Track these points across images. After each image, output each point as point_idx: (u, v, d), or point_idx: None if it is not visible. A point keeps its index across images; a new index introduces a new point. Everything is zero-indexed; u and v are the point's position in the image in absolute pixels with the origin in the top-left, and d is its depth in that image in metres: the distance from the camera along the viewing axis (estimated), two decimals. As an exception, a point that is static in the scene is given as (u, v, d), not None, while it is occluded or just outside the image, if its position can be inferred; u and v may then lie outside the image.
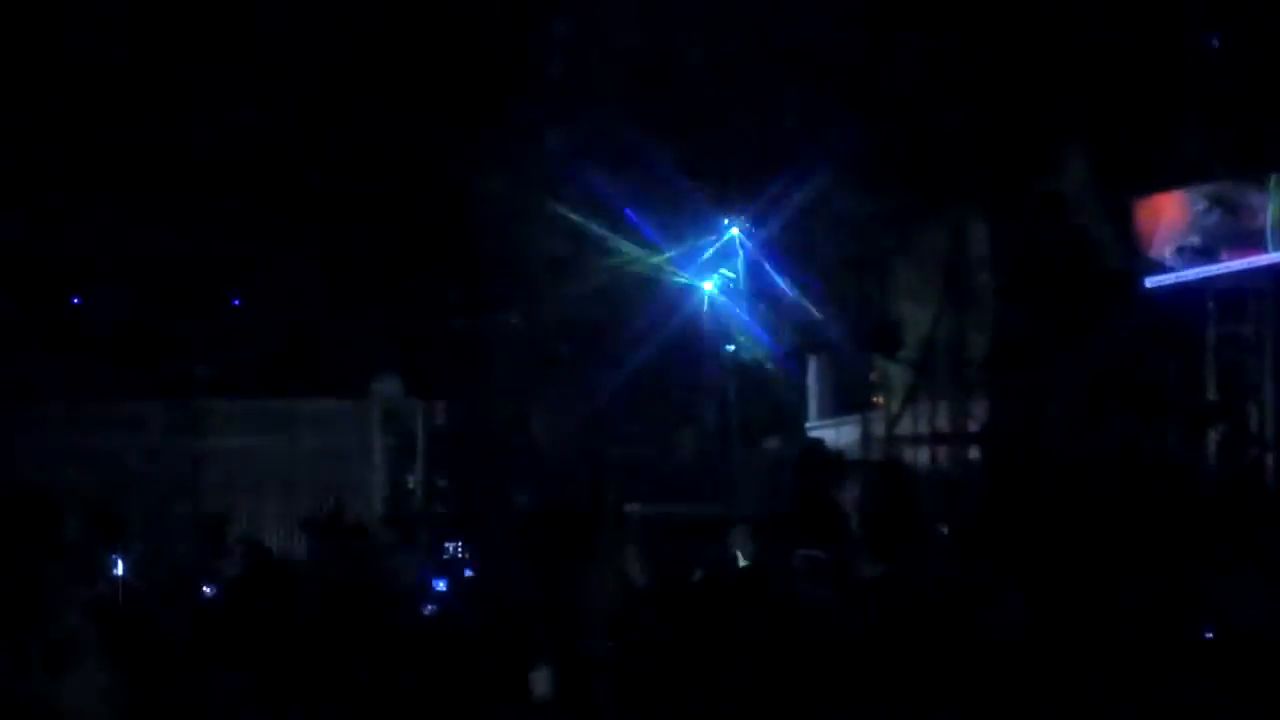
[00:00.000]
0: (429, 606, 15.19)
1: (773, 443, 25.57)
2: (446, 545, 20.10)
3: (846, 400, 26.20)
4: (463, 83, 23.18)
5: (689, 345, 25.18)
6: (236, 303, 24.86)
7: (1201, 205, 22.04)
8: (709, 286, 25.50)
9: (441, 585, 15.46)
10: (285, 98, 22.87)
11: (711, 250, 25.22)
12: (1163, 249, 22.32)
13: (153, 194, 23.22)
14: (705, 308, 25.40)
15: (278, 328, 24.14)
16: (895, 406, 25.06)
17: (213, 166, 23.29)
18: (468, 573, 18.82)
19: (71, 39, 22.23)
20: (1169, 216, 22.24)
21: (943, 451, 24.32)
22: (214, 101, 22.64)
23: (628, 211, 24.05)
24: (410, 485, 24.08)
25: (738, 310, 25.58)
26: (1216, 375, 22.37)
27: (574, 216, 23.94)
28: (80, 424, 23.55)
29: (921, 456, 24.17)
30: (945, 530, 22.89)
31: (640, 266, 24.56)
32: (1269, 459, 22.02)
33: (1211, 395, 22.44)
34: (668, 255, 24.83)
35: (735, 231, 25.30)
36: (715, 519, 21.20)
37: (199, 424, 23.68)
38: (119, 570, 17.78)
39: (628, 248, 24.33)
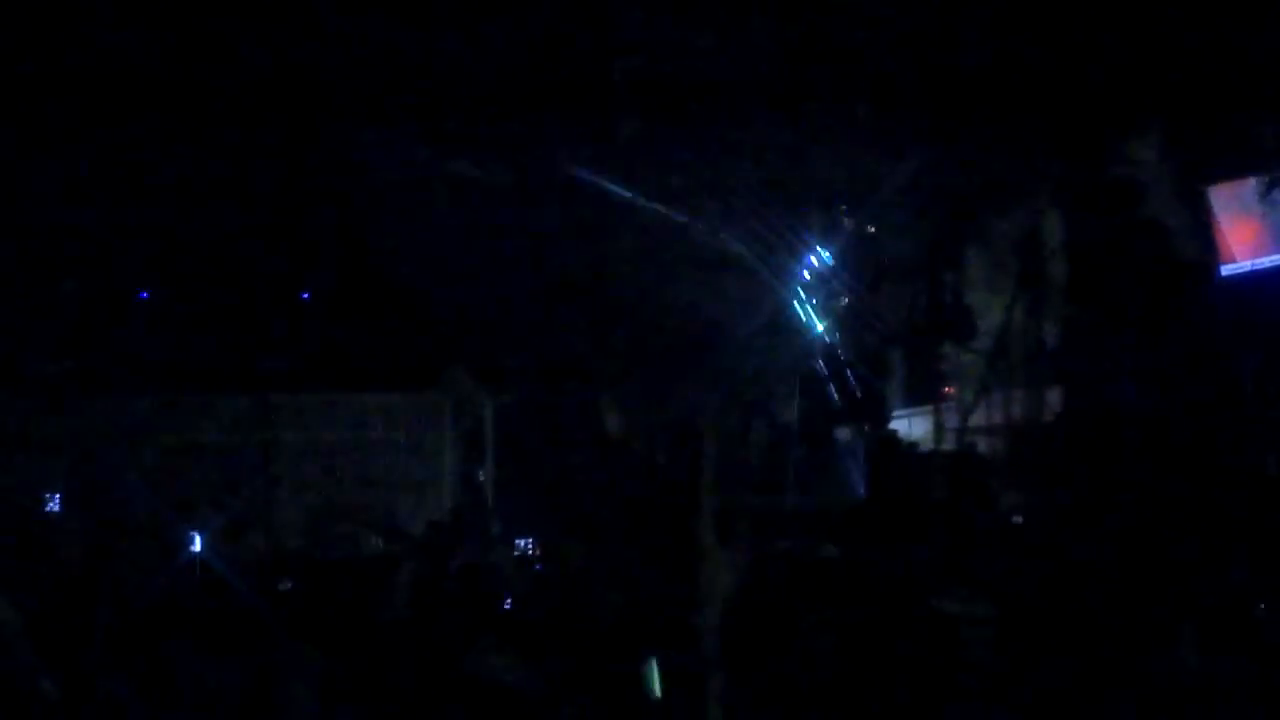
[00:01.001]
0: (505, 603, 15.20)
1: (847, 434, 25.43)
2: (518, 541, 20.10)
3: (919, 391, 26.02)
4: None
5: (766, 337, 25.10)
6: (305, 296, 24.90)
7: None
8: (787, 278, 25.42)
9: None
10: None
11: (789, 244, 25.15)
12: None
13: (223, 189, 23.32)
14: (783, 300, 25.31)
15: (348, 321, 24.17)
16: (969, 397, 24.88)
17: (285, 162, 23.38)
18: (538, 568, 18.82)
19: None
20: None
21: (1017, 442, 24.10)
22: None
23: (708, 203, 24.04)
24: (480, 479, 24.10)
25: (815, 302, 25.48)
26: (1299, 365, 22.17)
27: (652, 205, 23.96)
28: (155, 417, 23.70)
29: (996, 447, 23.96)
30: (1019, 520, 22.97)
31: (719, 258, 24.51)
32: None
33: (1291, 389, 22.24)
34: (745, 246, 24.77)
35: (814, 224, 25.23)
36: (795, 512, 21.24)
37: (270, 417, 23.78)
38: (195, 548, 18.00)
39: (706, 239, 24.30)
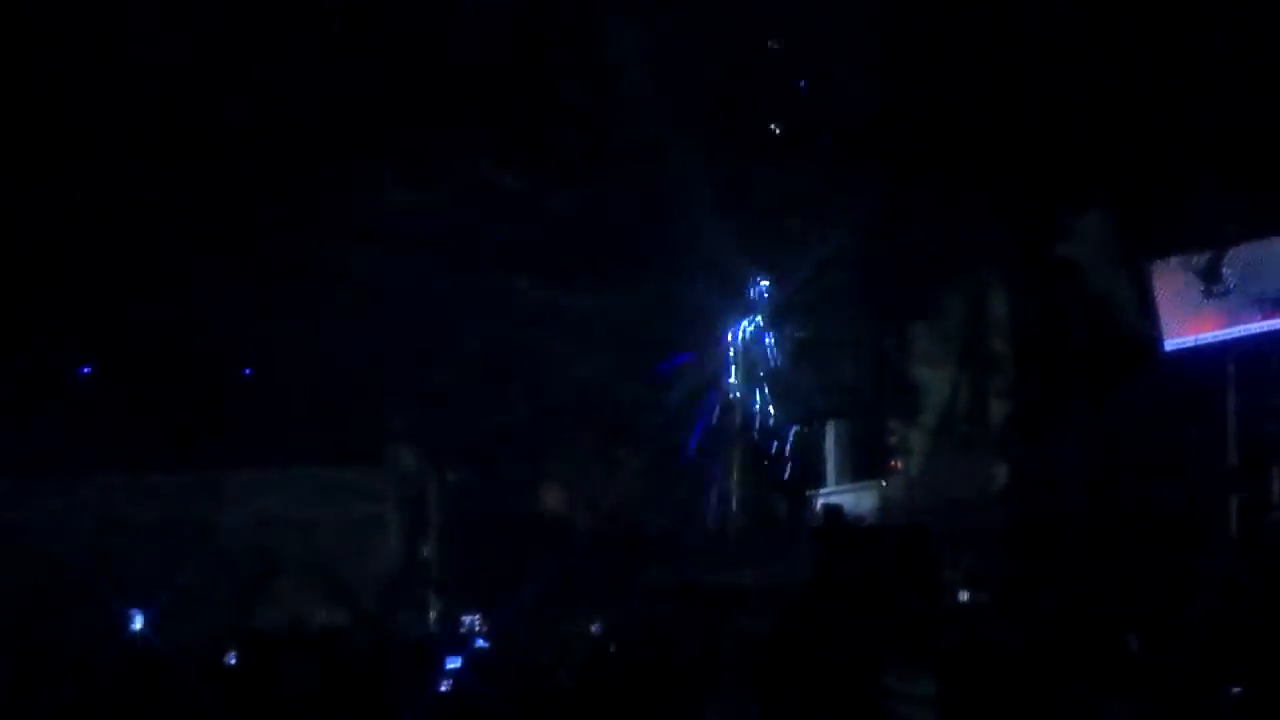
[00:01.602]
0: (444, 684, 15.02)
1: (790, 508, 25.39)
2: (462, 618, 19.98)
3: (865, 465, 26.01)
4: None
5: (710, 412, 25.08)
6: (248, 372, 24.77)
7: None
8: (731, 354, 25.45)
9: (455, 662, 15.27)
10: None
11: (732, 318, 25.18)
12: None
13: (169, 266, 23.26)
14: (728, 378, 25.32)
15: (293, 397, 24.04)
16: (914, 471, 24.89)
17: (230, 237, 23.35)
18: (479, 643, 18.69)
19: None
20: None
21: (962, 516, 24.08)
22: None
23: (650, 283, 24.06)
24: (424, 554, 23.96)
25: (759, 377, 25.48)
26: (1238, 440, 22.21)
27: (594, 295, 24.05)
28: (101, 494, 23.53)
29: (941, 521, 23.92)
30: (966, 594, 22.91)
31: (661, 334, 24.51)
32: (1292, 527, 21.88)
33: (1232, 460, 22.28)
34: (688, 324, 24.79)
35: (756, 299, 25.26)
36: (743, 589, 21.13)
37: (215, 493, 23.60)
38: (137, 626, 17.82)
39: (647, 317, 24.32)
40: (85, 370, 24.47)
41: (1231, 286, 21.95)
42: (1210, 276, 22.10)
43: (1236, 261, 21.93)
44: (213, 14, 22.11)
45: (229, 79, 22.28)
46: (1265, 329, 21.70)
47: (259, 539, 23.50)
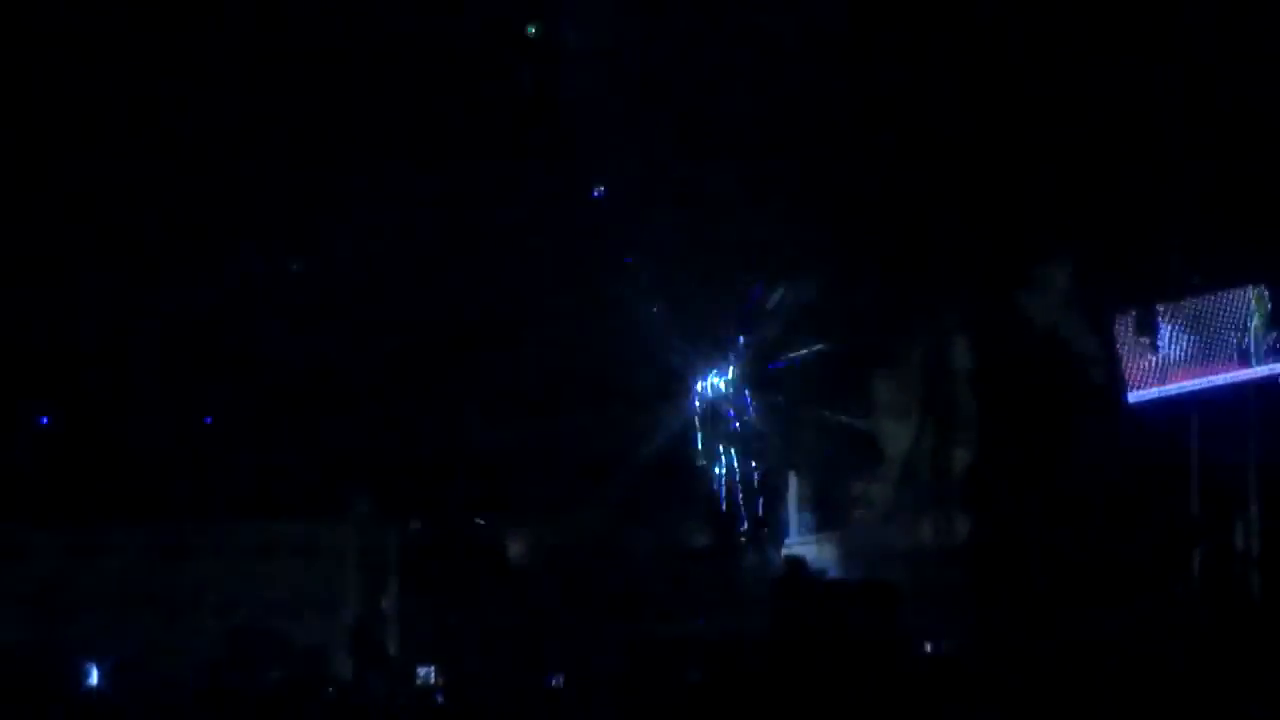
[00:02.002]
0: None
1: (754, 559, 25.28)
2: (419, 670, 19.78)
3: (827, 516, 25.91)
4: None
5: (674, 464, 24.98)
6: (208, 420, 24.58)
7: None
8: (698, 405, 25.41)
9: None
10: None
11: (699, 372, 25.18)
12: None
13: (123, 315, 23.15)
14: (692, 428, 25.26)
15: (253, 449, 23.87)
16: (877, 522, 24.79)
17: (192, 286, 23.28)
18: (439, 699, 18.53)
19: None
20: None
21: (925, 567, 24.00)
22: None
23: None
24: (382, 606, 23.74)
25: (722, 427, 25.42)
26: (1201, 491, 22.20)
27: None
28: (55, 548, 23.31)
29: (904, 573, 23.83)
30: (929, 647, 22.81)
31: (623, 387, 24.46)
32: (1254, 576, 21.84)
33: (1195, 510, 22.26)
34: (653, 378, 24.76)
35: (722, 353, 25.26)
36: (704, 640, 21.01)
37: (175, 546, 23.37)
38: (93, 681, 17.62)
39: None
40: (44, 421, 24.27)
41: (1189, 339, 21.98)
42: (1169, 329, 22.13)
43: (1193, 315, 21.97)
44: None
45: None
46: (1228, 380, 21.71)
47: (216, 592, 23.27)
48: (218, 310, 23.56)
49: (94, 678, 18.80)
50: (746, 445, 25.56)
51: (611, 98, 23.37)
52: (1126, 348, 22.37)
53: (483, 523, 23.93)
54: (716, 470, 25.55)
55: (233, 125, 22.84)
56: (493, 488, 24.08)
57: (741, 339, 25.23)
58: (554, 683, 18.51)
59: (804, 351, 24.66)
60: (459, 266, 23.91)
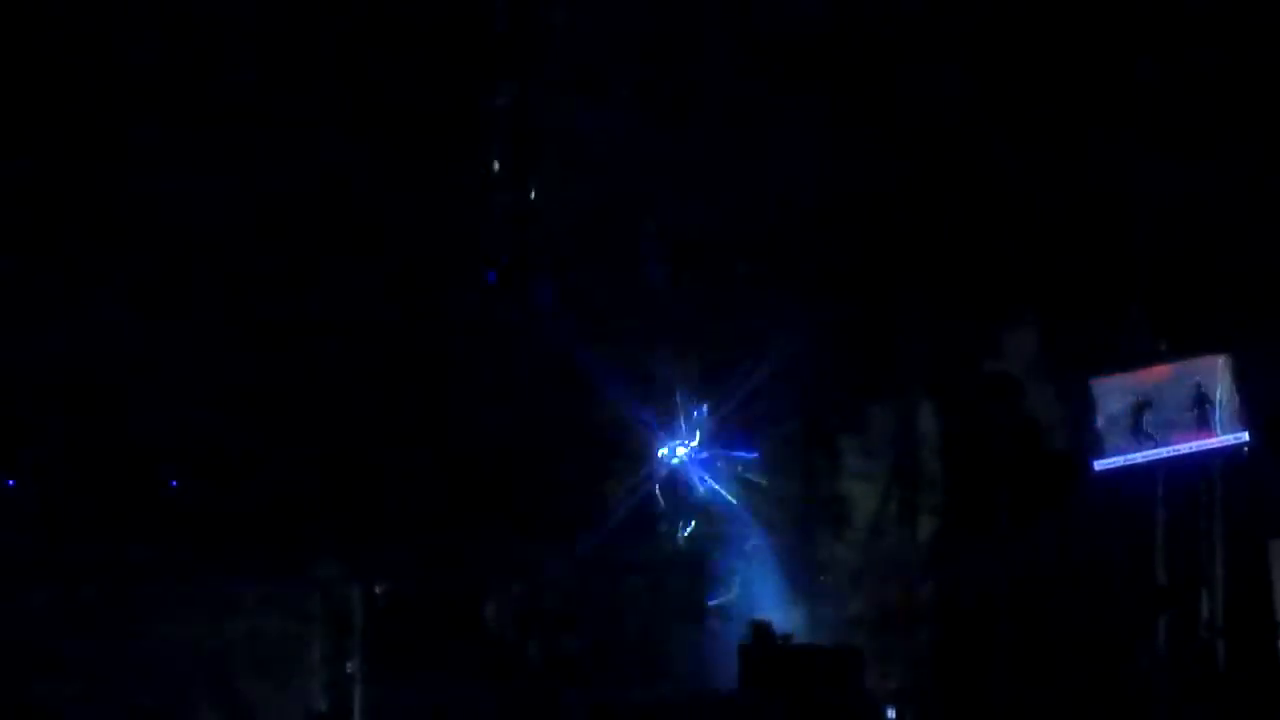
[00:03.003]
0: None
1: (720, 623, 25.22)
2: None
3: (792, 581, 25.89)
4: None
5: (639, 528, 24.93)
6: (174, 484, 24.44)
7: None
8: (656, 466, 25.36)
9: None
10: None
11: (664, 435, 25.15)
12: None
13: (82, 373, 23.07)
14: (656, 490, 25.22)
15: (215, 509, 23.73)
16: (842, 588, 24.78)
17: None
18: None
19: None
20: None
21: (891, 633, 24.03)
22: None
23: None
24: (349, 670, 23.61)
25: (688, 491, 25.40)
26: (1166, 560, 22.27)
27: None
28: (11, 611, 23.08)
29: (869, 639, 23.85)
30: (893, 713, 22.84)
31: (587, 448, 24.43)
32: (1220, 645, 21.90)
33: (1161, 580, 22.33)
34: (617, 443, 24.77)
35: (686, 414, 25.25)
36: (670, 704, 21.00)
37: (132, 610, 23.19)
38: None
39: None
40: (10, 484, 24.07)
41: (1155, 407, 22.10)
42: (1135, 397, 22.25)
43: (1159, 383, 22.10)
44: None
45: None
46: (1193, 449, 21.81)
47: (171, 658, 23.08)
48: (174, 357, 23.48)
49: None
50: (711, 510, 25.54)
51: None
52: (1092, 416, 22.47)
53: (447, 585, 23.82)
54: (681, 535, 25.53)
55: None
56: (457, 549, 23.99)
57: (705, 405, 25.25)
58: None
59: (769, 418, 24.67)
60: (423, 321, 23.92)
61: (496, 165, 23.87)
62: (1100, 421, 22.35)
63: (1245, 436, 21.40)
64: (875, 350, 23.59)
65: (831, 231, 23.31)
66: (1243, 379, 21.36)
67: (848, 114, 23.21)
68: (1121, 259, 22.32)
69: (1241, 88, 21.67)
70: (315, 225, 23.20)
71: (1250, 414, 21.32)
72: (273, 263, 23.15)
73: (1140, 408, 22.16)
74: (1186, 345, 22.00)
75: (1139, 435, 22.12)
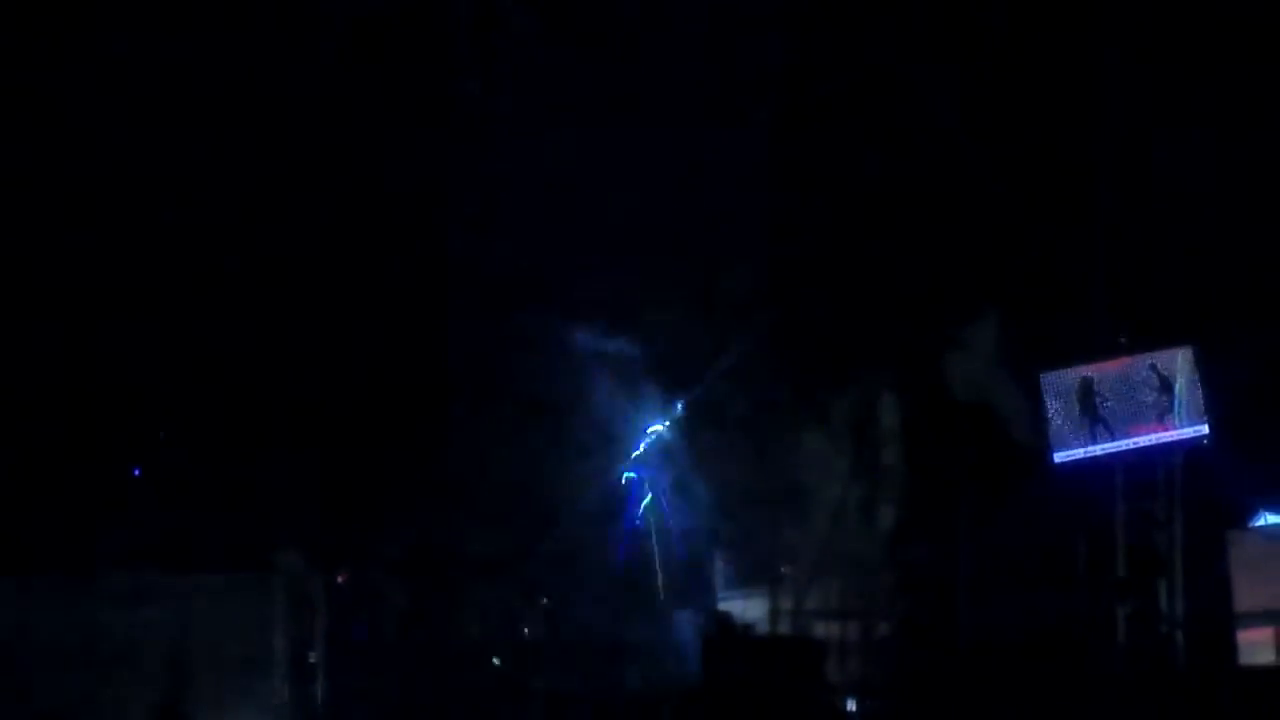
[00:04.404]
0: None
1: (683, 615, 25.24)
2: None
3: (754, 572, 25.92)
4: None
5: (602, 519, 24.95)
6: (137, 473, 24.37)
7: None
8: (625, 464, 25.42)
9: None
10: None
11: (629, 428, 25.20)
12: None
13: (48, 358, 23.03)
14: (620, 480, 25.25)
15: (179, 499, 23.66)
16: (803, 579, 24.82)
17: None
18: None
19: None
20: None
21: (852, 624, 24.07)
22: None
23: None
24: (312, 660, 23.55)
25: (650, 482, 25.43)
26: (1126, 551, 22.37)
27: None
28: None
29: (830, 630, 23.91)
30: (853, 704, 22.90)
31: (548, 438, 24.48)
32: (1179, 636, 22.02)
33: (1121, 571, 22.43)
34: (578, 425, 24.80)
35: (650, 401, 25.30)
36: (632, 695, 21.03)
37: (97, 598, 23.08)
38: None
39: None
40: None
41: (1114, 400, 22.19)
42: (1094, 390, 22.33)
43: (1119, 376, 22.18)
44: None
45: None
46: (1152, 442, 21.92)
47: (135, 648, 22.97)
48: (142, 351, 23.43)
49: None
50: (673, 501, 25.58)
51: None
52: (1052, 408, 22.54)
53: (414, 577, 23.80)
54: (644, 525, 25.56)
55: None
56: (422, 541, 23.98)
57: (668, 396, 25.29)
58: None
59: (731, 409, 24.69)
60: (389, 314, 23.95)
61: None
62: (1060, 415, 22.42)
63: (1205, 429, 21.50)
64: (838, 343, 23.60)
65: (791, 222, 23.36)
66: (1204, 371, 21.45)
67: (810, 105, 23.30)
68: (1083, 252, 22.39)
69: (1202, 78, 21.81)
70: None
71: (1210, 406, 21.42)
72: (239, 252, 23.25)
73: (1101, 401, 22.25)
74: (1147, 337, 22.06)
75: (1099, 428, 22.22)
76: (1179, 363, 21.66)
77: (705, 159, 23.57)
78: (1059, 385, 22.43)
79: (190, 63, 22.99)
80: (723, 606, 25.40)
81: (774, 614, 24.81)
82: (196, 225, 23.26)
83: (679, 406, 25.06)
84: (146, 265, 23.08)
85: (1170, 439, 21.81)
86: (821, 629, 24.02)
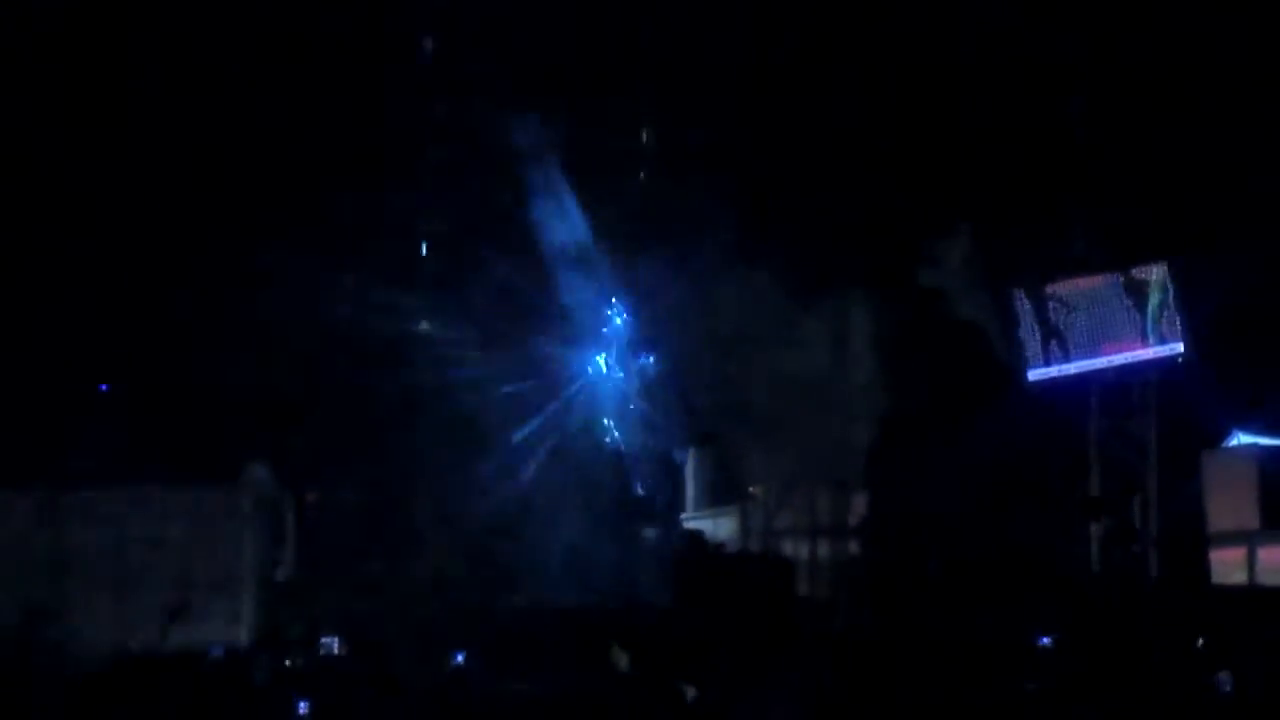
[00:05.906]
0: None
1: (652, 533, 25.11)
2: (323, 640, 19.47)
3: (724, 491, 25.83)
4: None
5: (573, 438, 24.82)
6: (104, 388, 24.12)
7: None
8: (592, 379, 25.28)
9: (303, 707, 14.74)
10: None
11: (594, 343, 25.11)
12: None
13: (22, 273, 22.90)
14: (588, 401, 25.15)
15: (147, 414, 23.43)
16: (773, 498, 24.72)
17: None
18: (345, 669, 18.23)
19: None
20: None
21: (822, 544, 23.97)
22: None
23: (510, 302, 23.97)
24: (279, 577, 23.37)
25: (620, 401, 25.31)
26: (1100, 470, 22.35)
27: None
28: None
29: (800, 549, 23.81)
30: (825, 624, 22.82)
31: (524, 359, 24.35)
32: (1152, 555, 22.04)
33: (1095, 490, 22.42)
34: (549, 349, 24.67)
35: (618, 322, 25.16)
36: (604, 611, 20.90)
37: (66, 513, 22.86)
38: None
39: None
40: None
41: (1088, 318, 22.13)
42: (1069, 308, 22.26)
43: (1093, 294, 22.12)
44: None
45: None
46: (1126, 360, 21.87)
47: (109, 560, 22.79)
48: (110, 278, 23.29)
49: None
50: (643, 422, 25.47)
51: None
52: (1026, 326, 22.48)
53: (383, 493, 23.63)
54: (614, 447, 25.44)
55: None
56: (393, 459, 23.83)
57: (636, 315, 25.15)
58: (458, 660, 18.31)
59: (700, 327, 24.52)
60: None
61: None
62: (1034, 332, 22.38)
63: (1180, 347, 21.43)
64: (810, 261, 23.41)
65: (771, 143, 23.16)
66: (1179, 289, 21.36)
67: (792, 31, 23.14)
68: (1061, 169, 22.26)
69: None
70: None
71: (1186, 324, 21.35)
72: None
73: (1075, 318, 22.22)
74: (1122, 257, 21.98)
75: (1073, 346, 22.18)
76: (1154, 278, 21.56)
77: (684, 75, 23.41)
78: (1033, 303, 22.38)
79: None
80: (693, 525, 25.36)
81: (743, 533, 24.76)
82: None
83: (650, 327, 24.98)
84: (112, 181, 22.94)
85: (1145, 357, 21.75)
86: (791, 548, 23.92)
